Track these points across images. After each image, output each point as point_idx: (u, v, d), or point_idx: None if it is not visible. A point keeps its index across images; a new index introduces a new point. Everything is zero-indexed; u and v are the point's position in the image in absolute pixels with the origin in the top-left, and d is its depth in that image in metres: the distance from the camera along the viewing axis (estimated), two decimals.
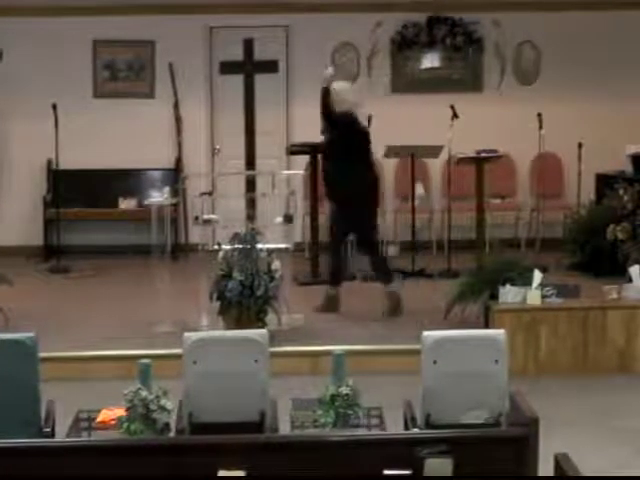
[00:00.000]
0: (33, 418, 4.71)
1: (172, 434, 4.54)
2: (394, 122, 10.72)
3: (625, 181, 9.83)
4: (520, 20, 11.32)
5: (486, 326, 7.35)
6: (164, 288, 7.97)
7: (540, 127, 10.07)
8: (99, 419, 4.67)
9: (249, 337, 4.85)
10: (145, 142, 11.23)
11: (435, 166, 11.25)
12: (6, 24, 11.09)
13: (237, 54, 9.51)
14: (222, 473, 3.78)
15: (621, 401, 6.69)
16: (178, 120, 11.34)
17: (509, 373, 4.73)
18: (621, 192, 9.54)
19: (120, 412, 4.49)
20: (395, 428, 4.84)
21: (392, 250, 11.02)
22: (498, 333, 4.84)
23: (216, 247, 7.75)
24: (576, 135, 10.55)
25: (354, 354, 6.04)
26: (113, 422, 4.55)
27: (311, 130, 9.30)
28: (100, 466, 3.89)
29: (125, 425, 4.39)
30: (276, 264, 7.47)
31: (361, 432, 4.47)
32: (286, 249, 8.41)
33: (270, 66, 9.78)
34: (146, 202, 8.57)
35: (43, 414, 4.82)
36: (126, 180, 11.33)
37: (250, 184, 9.48)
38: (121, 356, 7.13)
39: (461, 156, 9.59)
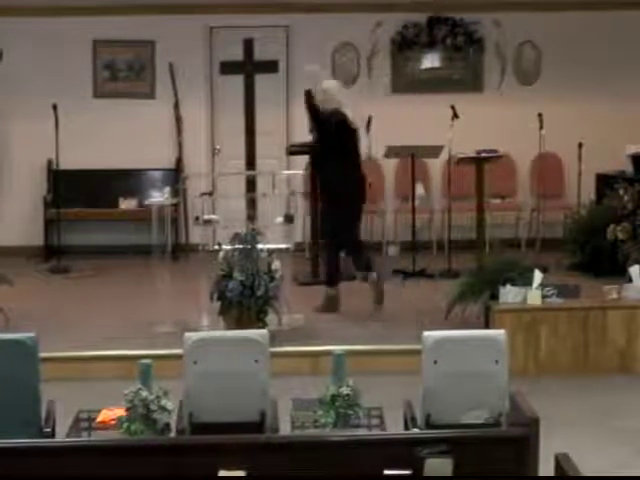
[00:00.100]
0: (33, 418, 4.72)
1: (172, 434, 4.54)
2: (394, 122, 10.73)
3: (625, 181, 9.83)
4: (520, 20, 11.32)
5: (486, 326, 7.36)
6: (164, 288, 7.97)
7: (540, 127, 10.07)
8: (99, 419, 4.67)
9: (249, 337, 4.85)
10: (145, 142, 11.23)
11: (435, 166, 11.25)
12: (6, 24, 11.10)
13: (237, 54, 9.51)
14: (222, 473, 3.78)
15: (621, 401, 6.69)
16: (178, 120, 11.34)
17: (509, 373, 4.73)
18: (621, 192, 9.54)
19: (120, 412, 4.49)
20: (395, 428, 4.84)
21: (392, 250, 11.03)
22: (498, 333, 4.84)
23: (216, 247, 7.75)
24: (576, 135, 10.56)
25: (354, 354, 6.04)
26: (113, 422, 4.55)
27: None
28: (100, 466, 3.89)
29: (125, 425, 4.39)
30: (276, 264, 7.47)
31: (361, 432, 4.47)
32: (286, 249, 8.41)
33: (270, 66, 9.78)
34: (146, 202, 8.58)
35: (43, 414, 4.82)
36: (126, 180, 11.33)
37: (250, 184, 9.48)
38: (121, 356, 7.13)
39: (461, 156, 9.59)
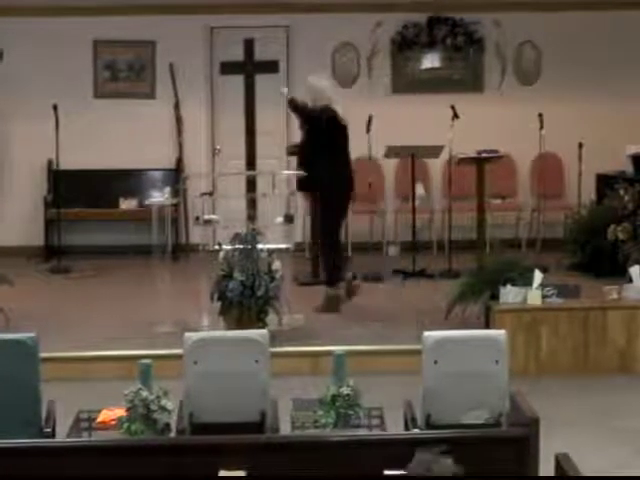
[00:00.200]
0: (34, 418, 4.72)
1: (173, 434, 4.54)
2: (394, 122, 10.73)
3: (626, 181, 9.83)
4: (521, 20, 11.32)
5: (487, 326, 7.36)
6: (165, 288, 7.97)
7: (541, 127, 10.07)
8: (99, 419, 4.67)
9: (250, 337, 4.85)
10: (146, 142, 11.23)
11: (436, 166, 11.25)
12: (6, 24, 11.10)
13: (237, 54, 9.51)
14: (222, 473, 3.78)
15: (621, 401, 6.69)
16: (179, 120, 11.35)
17: (510, 373, 4.73)
18: (622, 192, 9.54)
19: (121, 412, 4.49)
20: (396, 428, 4.84)
21: (392, 250, 11.03)
22: (499, 333, 4.84)
23: (217, 247, 7.75)
24: (576, 135, 10.55)
25: (355, 354, 6.03)
26: (113, 422, 4.55)
27: None
28: (100, 466, 3.89)
29: (125, 425, 4.39)
30: (277, 264, 7.47)
31: (362, 432, 4.47)
32: (287, 249, 8.41)
33: (270, 66, 9.79)
34: (147, 202, 8.58)
35: (44, 414, 4.82)
36: (127, 180, 11.34)
37: (250, 184, 9.49)
38: (122, 356, 7.13)
39: (462, 156, 9.59)
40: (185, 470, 3.88)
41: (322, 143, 8.25)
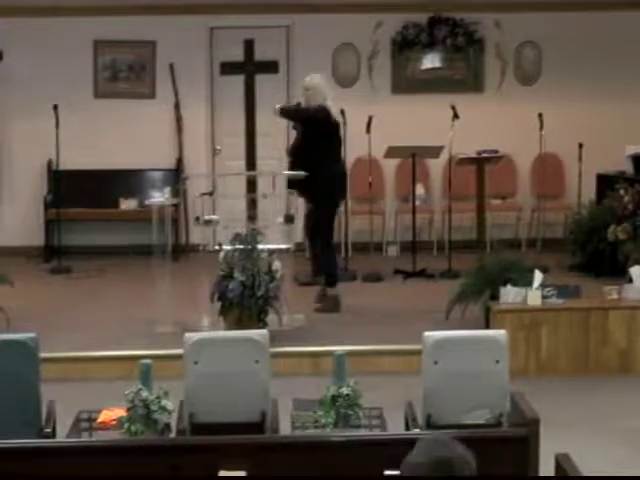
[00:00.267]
0: (34, 418, 4.72)
1: (173, 434, 4.55)
2: (395, 123, 10.73)
3: (626, 181, 9.83)
4: (521, 20, 11.31)
5: (487, 326, 7.36)
6: (165, 288, 7.97)
7: (541, 127, 10.07)
8: (100, 419, 4.67)
9: (250, 337, 4.86)
10: (146, 142, 11.23)
11: (436, 166, 11.24)
12: (6, 24, 11.09)
13: (238, 55, 9.53)
14: (222, 473, 3.78)
15: (622, 401, 6.69)
16: (179, 120, 11.34)
17: (510, 373, 4.73)
18: (622, 192, 9.54)
19: (121, 412, 4.50)
20: (396, 428, 4.84)
21: (392, 250, 11.03)
22: (499, 333, 4.85)
23: (217, 247, 7.75)
24: (576, 135, 10.55)
25: (355, 354, 6.04)
26: (114, 422, 4.56)
27: None
28: (101, 466, 3.89)
29: (126, 425, 4.40)
30: (277, 264, 7.47)
31: (362, 432, 4.48)
32: (287, 249, 8.40)
33: (270, 66, 9.81)
34: (147, 202, 8.58)
35: (44, 414, 4.82)
36: (127, 180, 11.33)
37: (251, 184, 9.50)
38: (122, 356, 7.13)
39: (462, 156, 9.59)
40: (185, 470, 3.88)
41: (316, 143, 8.25)
